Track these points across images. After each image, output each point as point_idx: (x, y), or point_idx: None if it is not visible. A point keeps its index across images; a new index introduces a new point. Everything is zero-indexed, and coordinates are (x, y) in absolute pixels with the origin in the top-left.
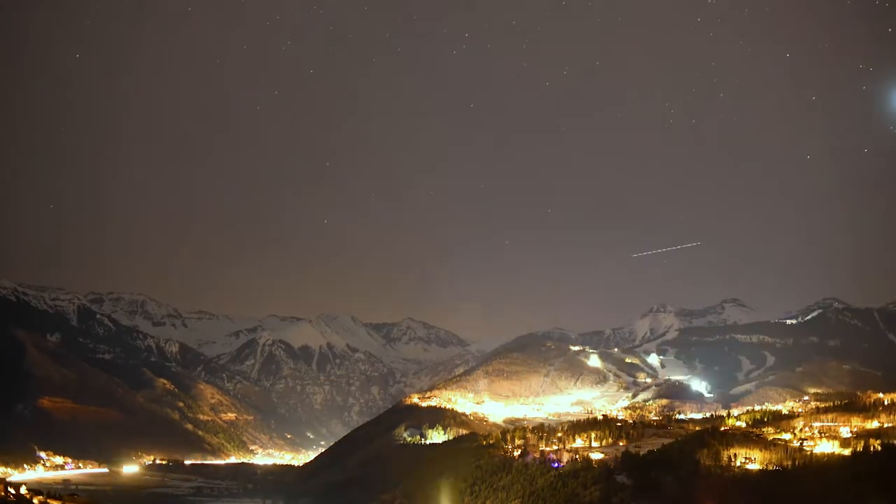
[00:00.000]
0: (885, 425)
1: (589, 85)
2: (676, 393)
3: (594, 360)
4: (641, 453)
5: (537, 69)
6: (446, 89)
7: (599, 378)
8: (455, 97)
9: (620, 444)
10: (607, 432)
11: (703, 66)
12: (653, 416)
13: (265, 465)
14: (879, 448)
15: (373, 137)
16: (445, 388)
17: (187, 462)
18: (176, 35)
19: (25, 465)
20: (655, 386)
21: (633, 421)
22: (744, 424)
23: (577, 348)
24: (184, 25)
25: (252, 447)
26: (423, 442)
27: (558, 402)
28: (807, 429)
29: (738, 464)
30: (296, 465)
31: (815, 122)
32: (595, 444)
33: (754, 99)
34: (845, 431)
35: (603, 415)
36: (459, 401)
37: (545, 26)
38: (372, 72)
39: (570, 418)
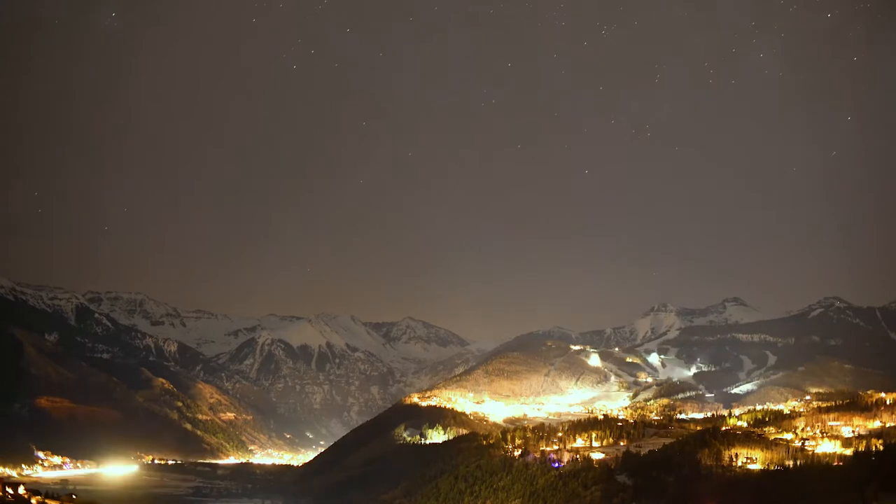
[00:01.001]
0: (887, 425)
1: (628, 46)
2: (677, 392)
3: (595, 360)
4: (642, 453)
5: (575, 29)
6: (484, 47)
7: (600, 378)
8: (492, 56)
9: (621, 443)
10: (608, 432)
11: (742, 26)
12: (654, 416)
13: (264, 465)
14: (881, 448)
15: (398, 100)
16: (445, 388)
17: (186, 462)
18: None
19: (23, 465)
20: (656, 385)
21: (634, 421)
22: (745, 424)
23: (577, 348)
24: None
25: (251, 447)
26: (423, 442)
27: (559, 402)
28: (808, 428)
29: (739, 464)
30: (295, 465)
31: (856, 85)
32: (596, 443)
33: (793, 62)
34: (847, 431)
35: (604, 414)
36: (459, 400)
37: None
38: (409, 30)
39: (570, 418)
